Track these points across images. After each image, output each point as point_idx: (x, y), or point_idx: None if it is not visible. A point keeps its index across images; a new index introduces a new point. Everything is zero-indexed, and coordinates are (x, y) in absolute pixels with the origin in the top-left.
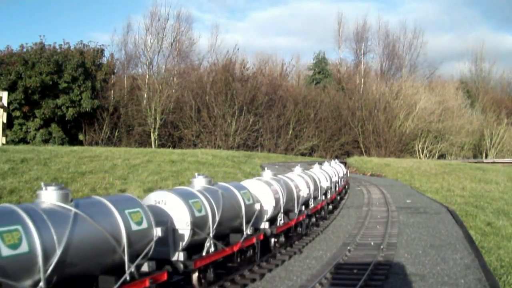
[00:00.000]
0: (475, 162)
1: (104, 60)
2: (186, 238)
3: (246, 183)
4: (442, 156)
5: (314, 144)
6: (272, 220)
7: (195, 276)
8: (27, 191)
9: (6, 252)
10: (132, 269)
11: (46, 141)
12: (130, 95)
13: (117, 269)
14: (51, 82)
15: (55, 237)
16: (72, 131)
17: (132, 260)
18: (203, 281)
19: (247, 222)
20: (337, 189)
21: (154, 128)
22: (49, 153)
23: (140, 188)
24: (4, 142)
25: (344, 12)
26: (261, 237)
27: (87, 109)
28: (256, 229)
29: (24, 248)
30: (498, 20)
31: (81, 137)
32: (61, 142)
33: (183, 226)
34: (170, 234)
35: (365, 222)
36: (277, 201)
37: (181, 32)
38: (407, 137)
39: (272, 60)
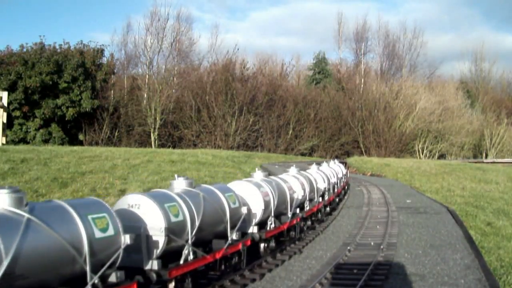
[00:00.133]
0: (475, 162)
1: (104, 60)
2: (161, 245)
3: (233, 184)
4: (442, 156)
5: (314, 144)
6: (262, 224)
7: (171, 286)
8: (27, 191)
9: None
10: (96, 280)
11: (46, 141)
12: (130, 95)
13: (79, 280)
14: (51, 82)
15: (1, 246)
16: (72, 131)
17: (95, 270)
18: None
19: (232, 227)
20: (335, 190)
21: (154, 128)
22: (49, 153)
23: (140, 188)
24: (4, 142)
25: (344, 12)
26: (248, 242)
27: (87, 109)
28: (244, 234)
29: None
30: (498, 20)
31: (81, 137)
32: (61, 142)
33: (157, 233)
34: (144, 241)
35: (365, 222)
36: (267, 203)
37: (181, 32)
38: (407, 137)
39: (272, 60)
